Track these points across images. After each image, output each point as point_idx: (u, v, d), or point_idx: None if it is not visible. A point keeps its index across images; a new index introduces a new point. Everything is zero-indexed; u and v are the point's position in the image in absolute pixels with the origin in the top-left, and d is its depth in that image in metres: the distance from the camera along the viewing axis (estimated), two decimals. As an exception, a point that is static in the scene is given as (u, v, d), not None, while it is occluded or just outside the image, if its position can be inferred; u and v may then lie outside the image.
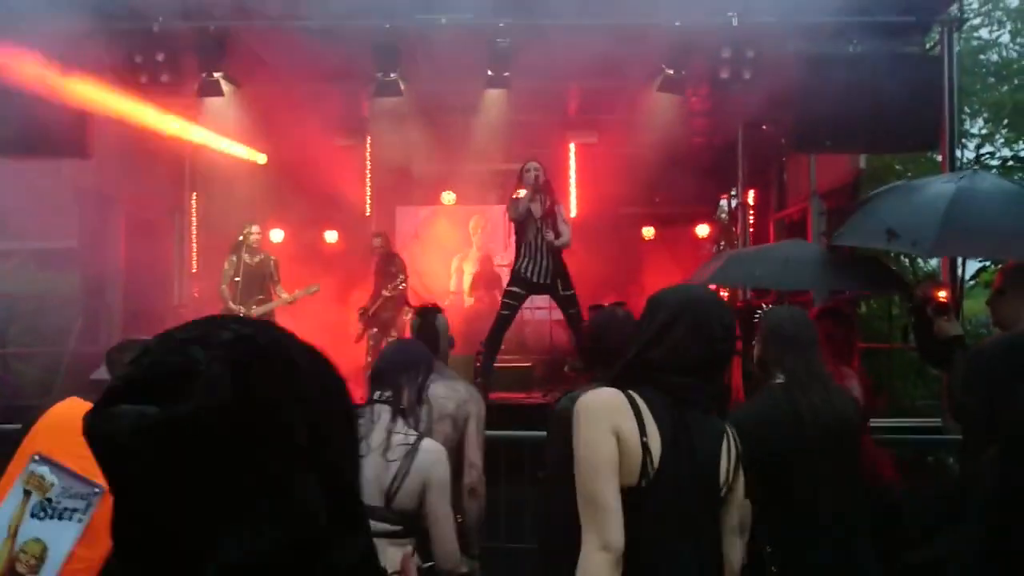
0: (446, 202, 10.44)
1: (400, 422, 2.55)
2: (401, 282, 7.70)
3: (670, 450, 1.75)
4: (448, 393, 3.18)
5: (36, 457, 2.01)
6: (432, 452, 2.53)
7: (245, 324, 0.83)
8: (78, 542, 1.97)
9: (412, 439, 2.51)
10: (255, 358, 0.79)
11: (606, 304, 4.11)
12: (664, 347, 1.85)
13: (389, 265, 7.89)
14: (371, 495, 2.38)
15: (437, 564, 2.52)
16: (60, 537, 1.97)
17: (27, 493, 1.99)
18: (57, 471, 2.01)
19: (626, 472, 1.73)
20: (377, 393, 2.61)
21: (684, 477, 1.76)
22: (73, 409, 2.09)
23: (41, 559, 1.96)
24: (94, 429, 0.76)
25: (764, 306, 3.45)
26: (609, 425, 1.75)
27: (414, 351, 2.79)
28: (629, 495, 1.73)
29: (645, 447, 1.73)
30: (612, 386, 1.84)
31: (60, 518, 1.99)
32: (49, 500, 1.99)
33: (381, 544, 2.14)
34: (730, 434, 1.89)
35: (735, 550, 1.91)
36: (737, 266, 4.63)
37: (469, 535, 3.06)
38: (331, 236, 10.17)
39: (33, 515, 1.98)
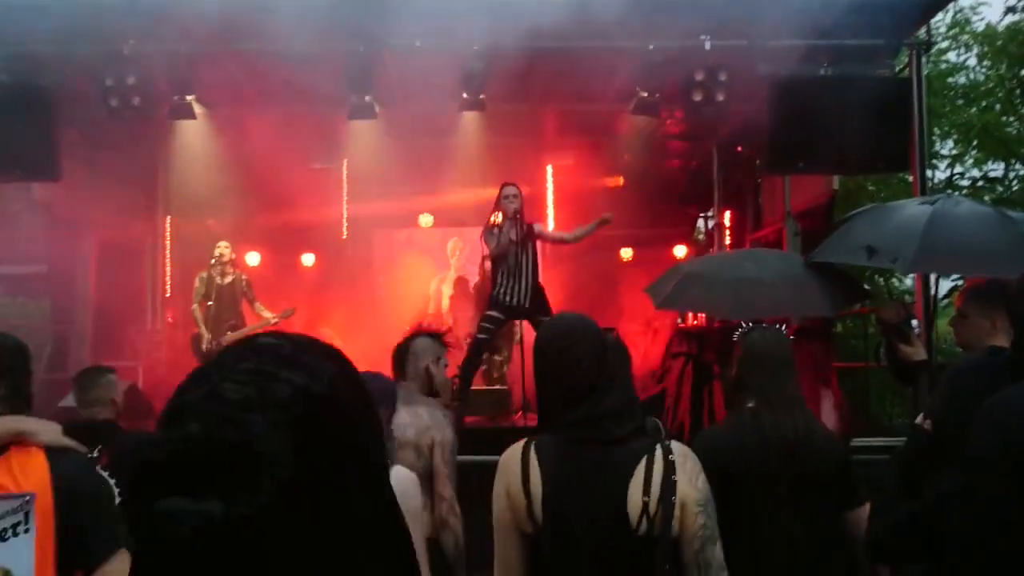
0: (423, 225, 10.41)
1: None
2: None
3: (555, 494, 1.74)
4: (409, 419, 3.00)
5: None
6: (404, 480, 2.40)
7: (297, 368, 0.73)
8: (36, 550, 1.89)
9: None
10: (317, 417, 0.71)
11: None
12: (541, 387, 1.88)
13: None
14: None
15: None
16: (18, 555, 1.89)
17: None
18: None
19: (520, 521, 1.77)
20: None
21: (576, 518, 1.72)
22: None
23: None
24: (146, 531, 0.66)
25: (742, 325, 3.34)
26: (503, 482, 1.81)
27: (375, 386, 2.60)
28: (532, 542, 1.78)
29: (528, 494, 1.75)
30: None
31: (3, 540, 1.91)
32: None
33: None
34: (658, 462, 1.74)
35: None
36: (688, 288, 4.36)
37: (454, 568, 2.94)
38: (308, 259, 10.09)
39: None
